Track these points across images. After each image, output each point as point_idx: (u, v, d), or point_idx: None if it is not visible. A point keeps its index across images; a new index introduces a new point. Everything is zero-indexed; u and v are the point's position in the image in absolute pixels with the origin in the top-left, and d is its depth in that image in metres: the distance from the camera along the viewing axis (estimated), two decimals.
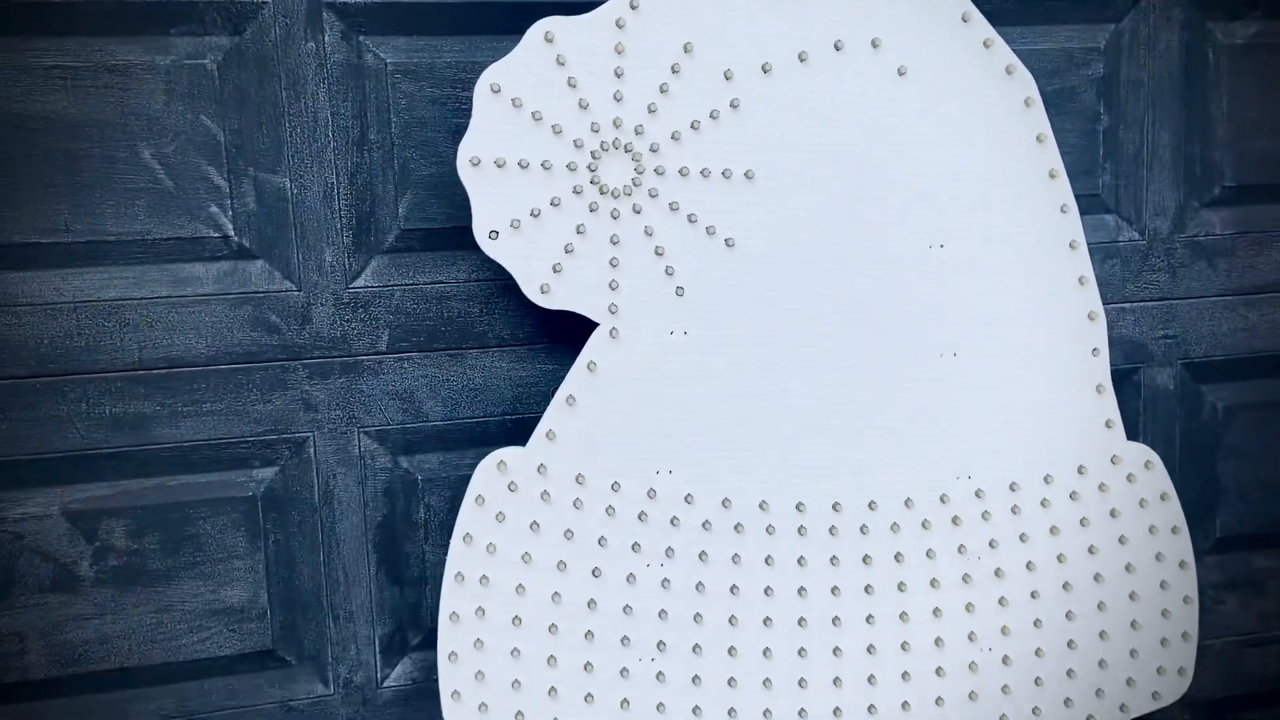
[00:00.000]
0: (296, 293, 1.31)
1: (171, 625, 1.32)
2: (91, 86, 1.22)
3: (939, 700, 1.41)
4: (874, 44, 1.32)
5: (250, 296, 1.30)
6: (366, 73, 1.30)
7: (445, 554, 1.36)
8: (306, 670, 1.37)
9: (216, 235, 1.28)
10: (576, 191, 1.27)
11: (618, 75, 1.26)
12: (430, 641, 1.39)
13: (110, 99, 1.23)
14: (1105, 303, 1.47)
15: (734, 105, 1.29)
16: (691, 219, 1.30)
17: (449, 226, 1.34)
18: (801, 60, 1.31)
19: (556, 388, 1.32)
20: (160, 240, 1.27)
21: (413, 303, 1.34)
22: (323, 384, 1.33)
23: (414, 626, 1.39)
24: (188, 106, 1.26)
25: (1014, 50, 1.33)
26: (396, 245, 1.33)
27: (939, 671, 1.41)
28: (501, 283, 1.35)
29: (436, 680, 1.39)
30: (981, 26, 1.35)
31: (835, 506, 1.37)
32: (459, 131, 1.32)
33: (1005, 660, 1.43)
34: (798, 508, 1.36)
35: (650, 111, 1.27)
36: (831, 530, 1.37)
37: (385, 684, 1.39)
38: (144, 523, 1.30)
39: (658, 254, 1.30)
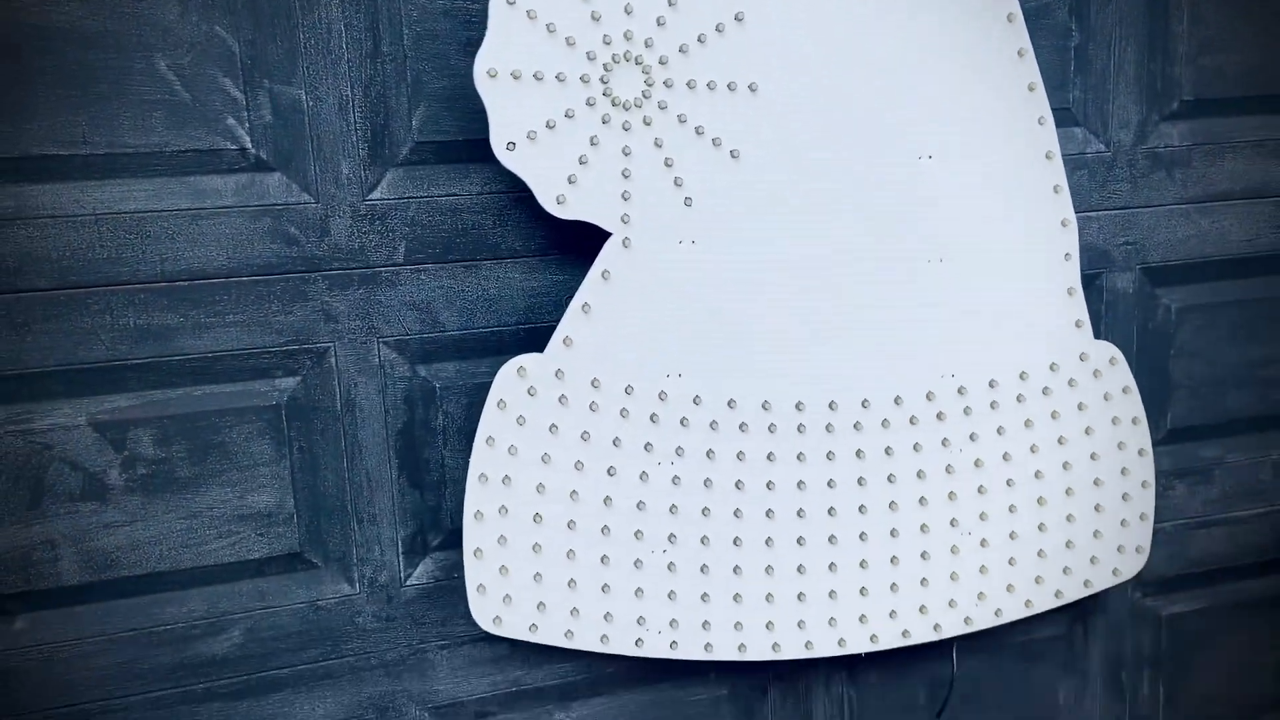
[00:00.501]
0: (314, 205, 1.33)
1: (201, 530, 1.36)
2: None
3: (924, 581, 1.53)
4: None
5: (269, 209, 1.32)
6: None
7: (463, 459, 1.42)
8: (333, 571, 1.42)
9: (234, 148, 1.30)
10: (590, 104, 1.31)
11: None
12: (449, 543, 1.46)
13: (125, 9, 1.23)
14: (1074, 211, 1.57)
15: (738, 19, 1.34)
16: (699, 131, 1.35)
17: (461, 139, 1.37)
18: None
19: (568, 297, 1.38)
20: (178, 152, 1.28)
21: (428, 215, 1.38)
22: (342, 295, 1.36)
23: (434, 528, 1.45)
24: (202, 17, 1.26)
25: None
26: (410, 158, 1.36)
27: (924, 555, 1.53)
28: (514, 195, 1.39)
29: (456, 578, 1.46)
30: None
31: (832, 405, 1.46)
32: (470, 44, 1.34)
33: (983, 543, 1.55)
34: (797, 407, 1.45)
35: (659, 24, 1.31)
36: (828, 427, 1.46)
37: (408, 583, 1.45)
38: (171, 432, 1.32)
39: (667, 165, 1.35)
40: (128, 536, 1.33)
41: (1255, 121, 1.67)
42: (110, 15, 1.23)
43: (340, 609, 1.43)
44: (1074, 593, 1.60)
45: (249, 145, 1.30)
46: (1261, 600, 1.86)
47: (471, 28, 1.35)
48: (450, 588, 1.47)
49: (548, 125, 1.30)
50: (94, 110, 1.24)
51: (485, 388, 1.35)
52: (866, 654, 1.56)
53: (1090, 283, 1.64)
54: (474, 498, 1.36)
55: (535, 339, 1.41)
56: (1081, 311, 1.53)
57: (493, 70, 1.27)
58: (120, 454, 1.31)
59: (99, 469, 1.31)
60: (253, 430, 1.36)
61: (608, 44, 1.30)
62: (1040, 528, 1.56)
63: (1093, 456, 1.57)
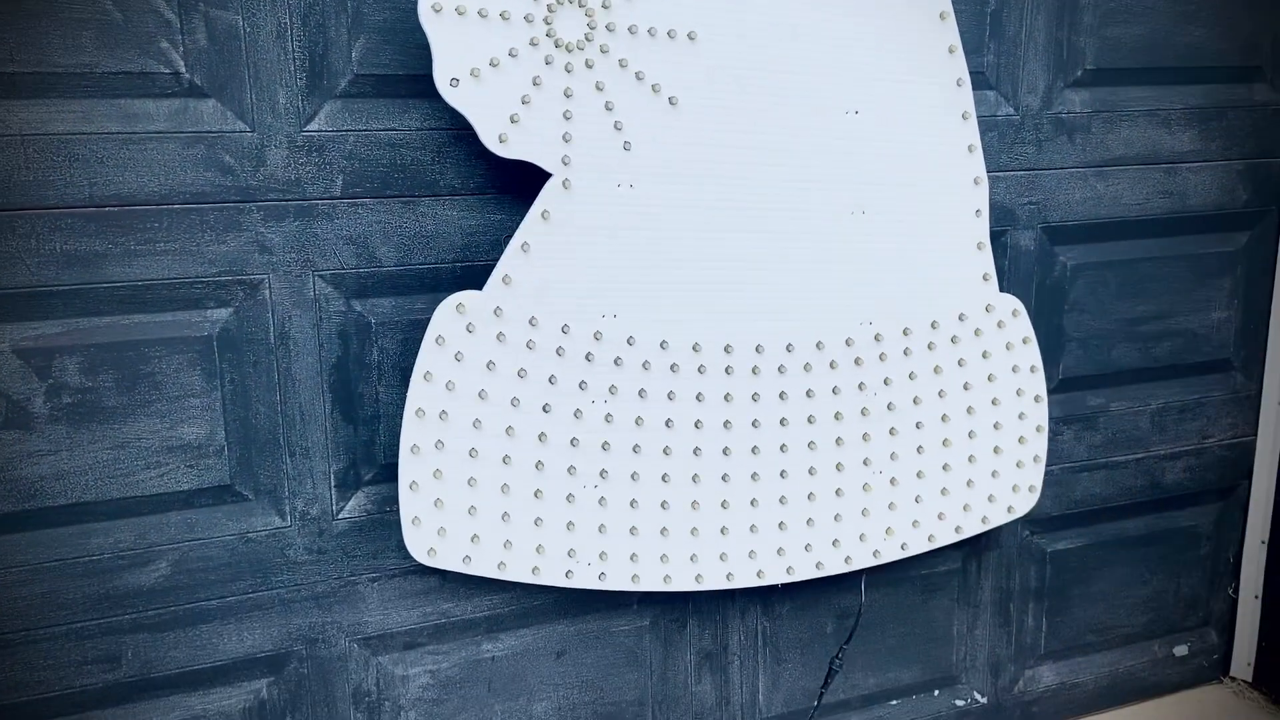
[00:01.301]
0: (250, 133, 1.32)
1: (128, 461, 1.34)
2: None
3: (837, 517, 1.62)
4: None
5: (203, 136, 1.30)
6: None
7: (398, 394, 1.44)
8: (263, 504, 1.42)
9: (167, 71, 1.27)
10: (533, 43, 1.32)
11: None
12: (382, 477, 1.47)
13: None
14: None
15: None
16: (639, 76, 1.38)
17: (401, 74, 1.37)
18: None
19: (505, 237, 1.40)
20: (109, 74, 1.24)
21: (366, 149, 1.37)
22: (277, 227, 1.35)
23: (367, 463, 1.46)
24: None
25: None
26: (349, 90, 1.35)
27: (838, 492, 1.61)
28: (453, 132, 1.40)
29: (389, 512, 1.48)
30: None
31: (758, 349, 1.52)
32: None
33: (893, 481, 1.64)
34: (725, 349, 1.50)
35: None
36: (754, 370, 1.52)
37: (340, 516, 1.46)
38: (98, 360, 1.30)
39: (608, 109, 1.38)
40: (52, 466, 1.31)
41: (1150, 92, 1.79)
42: None
43: (271, 541, 1.43)
44: (972, 528, 1.71)
45: (183, 69, 1.27)
46: (1135, 539, 2.02)
47: None
48: (382, 521, 1.48)
49: (491, 63, 1.31)
50: (22, 27, 1.19)
51: (421, 324, 1.37)
52: (782, 586, 1.64)
53: (996, 239, 1.74)
54: (410, 432, 1.38)
55: (472, 277, 1.43)
56: (989, 265, 1.63)
57: (437, 5, 1.27)
58: (45, 382, 1.28)
59: (22, 397, 1.28)
60: (183, 361, 1.34)
61: None
62: (945, 468, 1.67)
63: (994, 402, 1.68)
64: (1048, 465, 1.88)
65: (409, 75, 1.37)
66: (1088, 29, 1.72)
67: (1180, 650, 2.11)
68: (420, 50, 1.29)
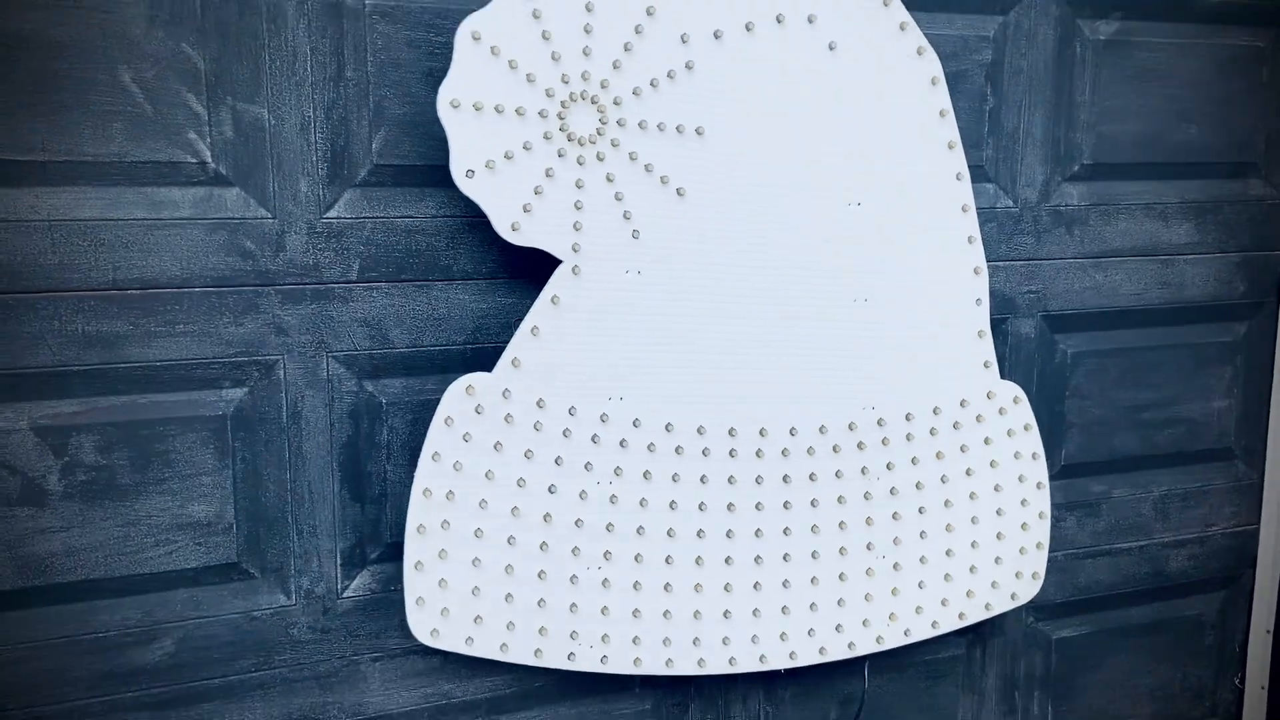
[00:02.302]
0: (271, 220, 1.36)
1: (138, 539, 1.36)
2: (74, 8, 1.23)
3: (840, 602, 1.62)
4: (810, 19, 1.48)
5: (225, 222, 1.34)
6: (345, 12, 1.35)
7: (405, 473, 1.46)
8: (269, 582, 1.43)
9: (194, 161, 1.32)
10: (546, 137, 1.37)
11: (587, 31, 1.37)
12: (388, 555, 1.48)
13: (92, 21, 1.24)
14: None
15: (689, 67, 1.43)
16: (648, 169, 1.43)
17: (419, 164, 1.42)
18: (748, 30, 1.45)
19: (515, 319, 1.44)
20: (137, 163, 1.29)
21: (383, 235, 1.41)
22: (294, 309, 1.38)
23: (373, 541, 1.48)
24: (169, 34, 1.28)
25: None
26: (369, 179, 1.40)
27: (841, 577, 1.62)
28: (467, 219, 1.44)
29: (393, 591, 1.49)
30: (899, 10, 1.53)
31: (762, 432, 1.54)
32: (432, 74, 1.39)
33: (896, 566, 1.65)
34: (730, 432, 1.53)
35: (615, 67, 1.39)
36: (758, 453, 1.54)
37: (345, 594, 1.47)
38: (113, 439, 1.33)
39: (617, 199, 1.42)
40: (63, 543, 1.33)
41: (1146, 186, 1.84)
42: (76, 25, 1.24)
43: (275, 620, 1.44)
44: (975, 615, 1.71)
45: (209, 159, 1.32)
46: (1139, 627, 2.01)
47: (433, 58, 1.40)
48: (386, 601, 1.49)
49: (506, 156, 1.36)
50: (54, 118, 1.25)
51: (431, 405, 1.39)
52: (785, 671, 1.64)
53: (996, 327, 1.77)
54: (417, 511, 1.40)
55: (481, 359, 1.46)
56: (990, 353, 1.66)
57: (455, 101, 1.32)
58: (60, 459, 1.31)
59: (38, 474, 1.30)
60: (196, 440, 1.37)
61: (566, 83, 1.37)
62: (948, 553, 1.67)
63: (996, 488, 1.69)
64: (1051, 551, 1.88)
65: (426, 165, 1.42)
66: (1084, 125, 1.77)
67: None
68: (437, 142, 1.34)
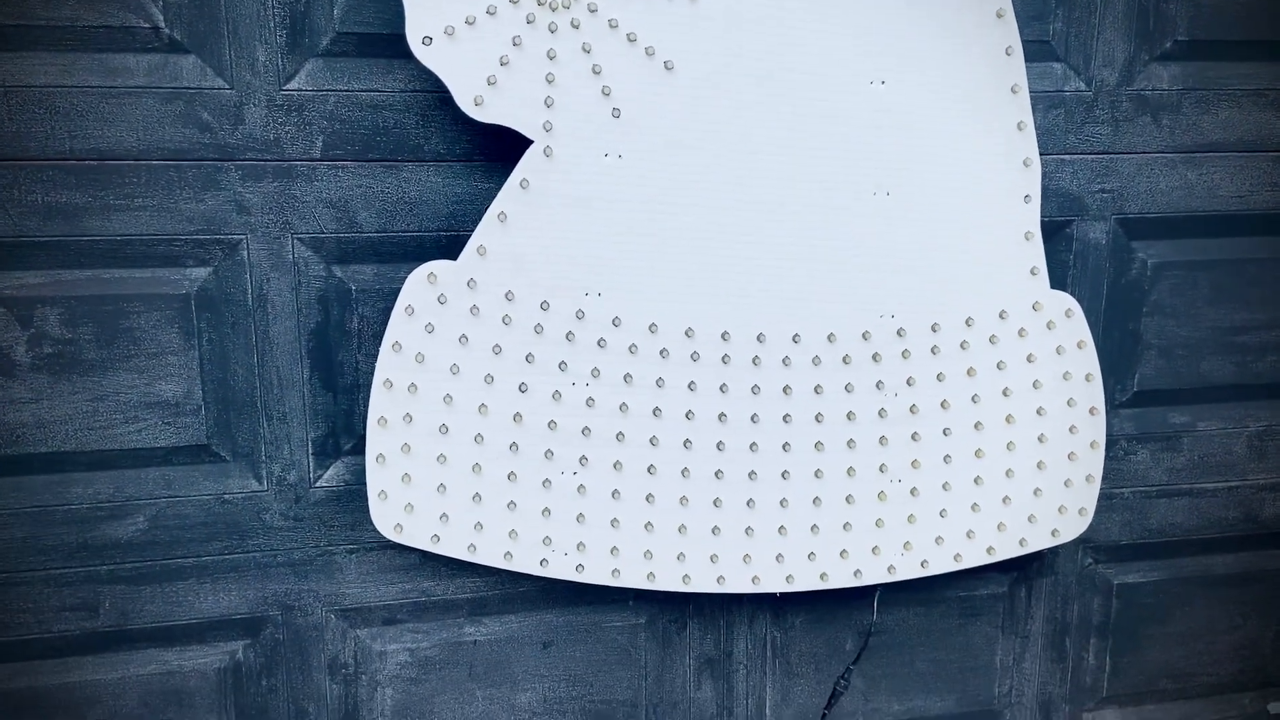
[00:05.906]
0: (228, 91, 1.30)
1: (107, 414, 1.35)
2: None
3: (846, 525, 1.48)
4: None
5: (181, 92, 1.29)
6: None
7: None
8: (241, 466, 1.41)
9: (147, 26, 1.26)
10: (513, 1, 1.25)
11: None
12: (361, 448, 1.43)
13: None
14: (1045, 153, 1.48)
15: None
16: (631, 38, 1.29)
17: (385, 33, 1.32)
18: None
19: None
20: (90, 28, 1.25)
21: (348, 109, 1.33)
22: (255, 186, 1.33)
23: (346, 432, 1.44)
24: None
25: None
26: (331, 49, 1.32)
27: (849, 499, 1.48)
28: (439, 95, 1.34)
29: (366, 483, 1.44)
30: None
31: (760, 337, 1.40)
32: None
33: (913, 492, 1.49)
34: (723, 336, 1.39)
35: None
36: (755, 360, 1.41)
37: (318, 484, 1.44)
38: (78, 312, 1.32)
39: (595, 72, 1.29)
40: (33, 414, 1.34)
41: (1256, 68, 1.55)
42: None
43: (247, 504, 1.43)
44: (1008, 550, 1.54)
45: (162, 24, 1.26)
46: (1224, 577, 1.78)
47: None
48: (361, 493, 1.45)
49: (467, 21, 1.24)
50: None
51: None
52: (788, 595, 1.53)
53: (1059, 230, 1.55)
54: (379, 403, 1.34)
55: (458, 247, 1.37)
56: (1038, 258, 1.45)
57: None
58: (27, 331, 1.31)
59: (6, 344, 1.31)
60: (161, 318, 1.34)
61: None
62: (976, 481, 1.50)
63: (1039, 411, 1.50)
64: (1118, 487, 1.68)
65: (393, 34, 1.32)
66: None
67: (1275, 707, 1.85)
68: (403, 7, 1.23)
